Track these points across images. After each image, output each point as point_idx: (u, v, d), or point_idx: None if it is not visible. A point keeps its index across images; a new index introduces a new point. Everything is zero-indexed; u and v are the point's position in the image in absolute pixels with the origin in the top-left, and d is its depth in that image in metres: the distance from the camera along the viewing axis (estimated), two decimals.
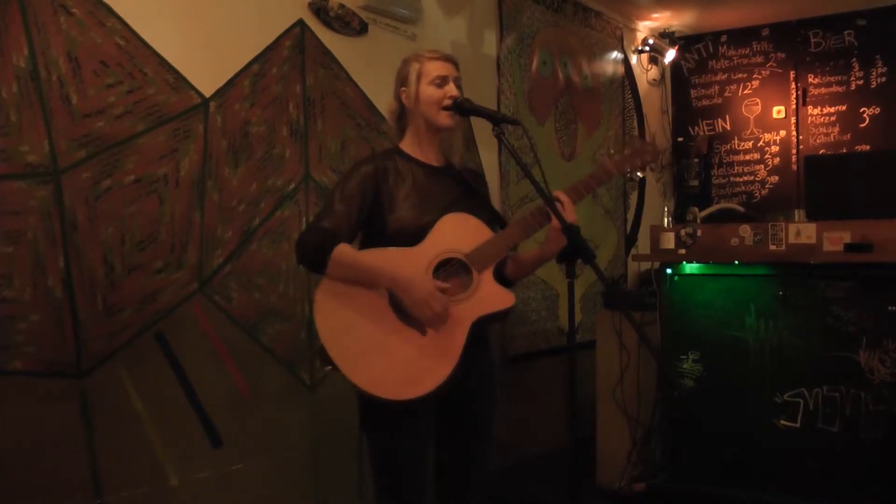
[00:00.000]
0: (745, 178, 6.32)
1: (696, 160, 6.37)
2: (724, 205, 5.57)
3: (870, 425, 3.53)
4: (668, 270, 3.99)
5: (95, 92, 2.81)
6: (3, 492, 2.54)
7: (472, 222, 2.28)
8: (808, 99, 6.07)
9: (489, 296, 2.23)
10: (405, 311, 2.21)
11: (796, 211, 3.98)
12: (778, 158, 6.20)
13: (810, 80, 6.07)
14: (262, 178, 3.35)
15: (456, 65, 2.39)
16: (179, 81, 3.07)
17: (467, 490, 2.41)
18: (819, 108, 6.04)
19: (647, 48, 6.08)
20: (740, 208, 5.21)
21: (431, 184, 2.36)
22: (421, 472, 2.32)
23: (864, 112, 5.88)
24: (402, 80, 2.40)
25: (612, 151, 2.42)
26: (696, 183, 6.37)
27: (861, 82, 5.89)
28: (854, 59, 5.91)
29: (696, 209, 4.33)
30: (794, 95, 6.12)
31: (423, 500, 2.33)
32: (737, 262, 3.82)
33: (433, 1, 4.27)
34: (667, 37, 6.22)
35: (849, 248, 3.54)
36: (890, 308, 3.50)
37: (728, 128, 6.39)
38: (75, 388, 2.73)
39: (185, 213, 3.08)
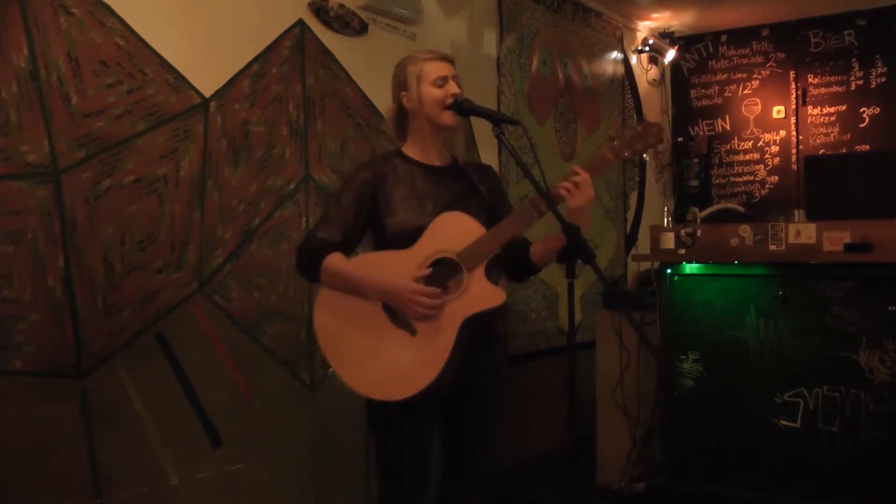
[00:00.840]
0: (745, 178, 6.32)
1: (696, 160, 6.36)
2: (724, 205, 5.57)
3: (870, 425, 3.53)
4: (668, 270, 3.99)
5: (95, 92, 2.81)
6: (4, 492, 2.54)
7: (466, 221, 2.27)
8: (807, 99, 6.07)
9: (479, 294, 2.23)
10: (396, 314, 2.25)
11: (796, 211, 3.99)
12: (778, 158, 6.20)
13: (810, 80, 6.07)
14: (262, 178, 3.35)
15: (453, 63, 2.39)
16: (179, 81, 3.07)
17: (470, 491, 2.42)
18: (819, 108, 6.04)
19: (647, 48, 6.08)
20: (740, 208, 5.21)
21: (431, 185, 2.36)
22: (424, 471, 2.33)
23: (863, 112, 5.88)
24: (401, 84, 2.40)
25: (614, 136, 2.40)
26: (696, 183, 6.37)
27: (861, 82, 5.89)
28: (854, 59, 5.91)
29: (696, 209, 4.33)
30: (794, 95, 6.12)
31: (426, 500, 2.34)
32: (737, 262, 3.82)
33: (433, 1, 4.26)
34: (667, 37, 6.22)
35: (849, 248, 3.54)
36: (890, 308, 3.50)
37: (728, 128, 6.39)
38: (75, 388, 2.73)
39: (185, 213, 3.08)
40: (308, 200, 3.53)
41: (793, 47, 6.12)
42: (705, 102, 6.48)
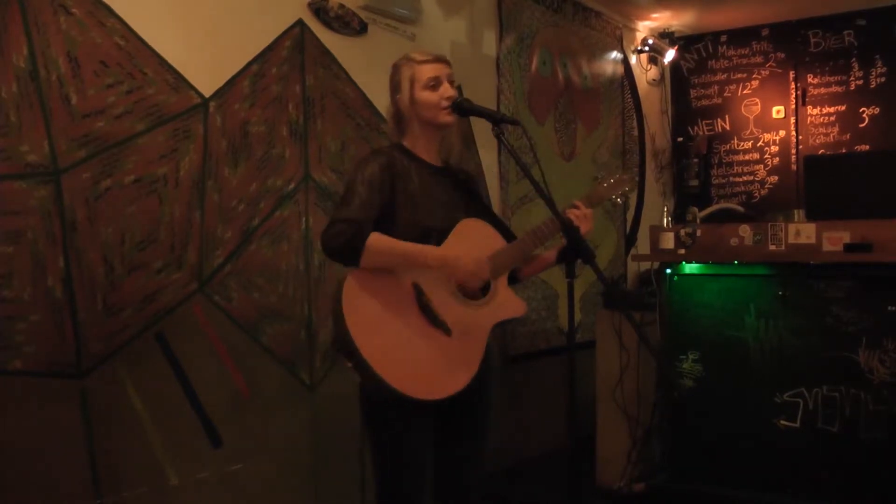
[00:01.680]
0: (745, 178, 6.32)
1: (695, 160, 6.36)
2: (723, 205, 5.58)
3: (870, 425, 3.53)
4: (668, 270, 3.99)
5: (95, 92, 2.81)
6: (4, 492, 2.54)
7: (488, 230, 2.35)
8: (807, 99, 6.07)
9: (505, 302, 2.31)
10: (431, 313, 2.23)
11: (796, 211, 3.99)
12: (777, 158, 6.20)
13: (810, 80, 6.07)
14: (262, 178, 3.35)
15: (447, 63, 2.39)
16: (179, 81, 3.07)
17: (464, 489, 2.42)
18: (819, 108, 6.04)
19: (646, 48, 6.09)
20: (740, 208, 5.22)
21: (433, 184, 2.37)
22: (421, 470, 2.34)
23: (863, 112, 5.88)
24: (395, 87, 2.40)
25: (599, 178, 2.66)
26: (695, 183, 6.37)
27: (861, 82, 5.90)
28: (854, 59, 5.91)
29: (696, 209, 4.33)
30: (794, 95, 6.12)
31: (424, 499, 2.34)
32: (736, 262, 3.82)
33: (433, 1, 4.27)
34: (666, 37, 6.22)
35: (848, 248, 3.54)
36: (890, 308, 3.50)
37: (728, 128, 6.40)
38: (75, 388, 2.73)
39: (185, 213, 3.08)
40: (308, 200, 3.53)
41: (792, 47, 6.12)
42: (705, 102, 6.49)
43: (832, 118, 5.99)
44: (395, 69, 2.41)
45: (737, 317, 3.81)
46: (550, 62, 5.16)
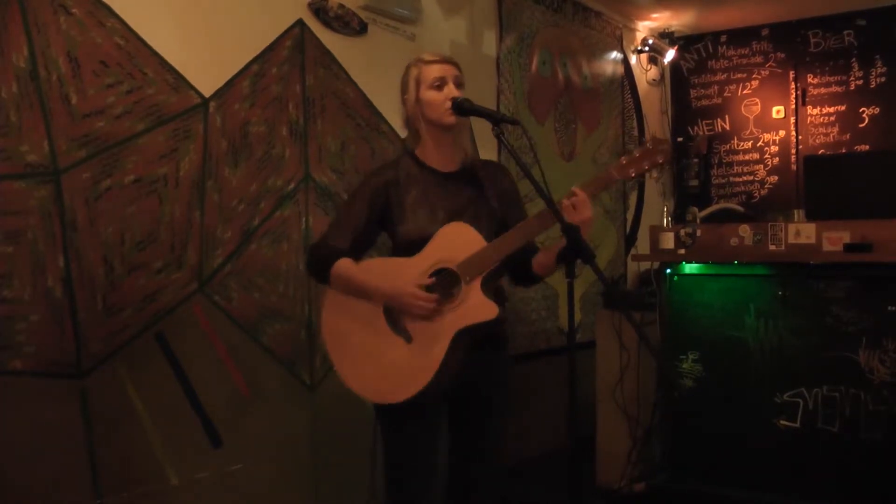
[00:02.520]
0: (745, 178, 6.32)
1: (695, 160, 6.36)
2: (723, 205, 5.58)
3: (870, 425, 3.53)
4: (668, 270, 3.99)
5: (95, 92, 2.81)
6: (4, 492, 2.54)
7: (469, 233, 2.30)
8: (807, 99, 6.07)
9: (473, 307, 2.27)
10: (395, 320, 2.32)
11: (796, 211, 3.99)
12: (777, 158, 6.20)
13: (810, 80, 6.07)
14: (262, 178, 3.35)
15: (455, 65, 2.39)
16: (179, 81, 3.07)
17: (477, 489, 2.43)
18: (818, 108, 6.04)
19: (646, 48, 6.09)
20: (740, 208, 5.22)
21: (440, 192, 2.38)
22: (429, 469, 2.36)
23: (863, 112, 5.88)
24: (403, 88, 2.42)
25: (628, 149, 2.41)
26: (695, 183, 6.37)
27: (860, 82, 5.89)
28: (854, 59, 5.91)
29: (696, 209, 4.33)
30: (794, 95, 6.12)
31: (432, 497, 2.35)
32: (736, 262, 3.82)
33: (433, 1, 4.26)
34: (666, 37, 6.22)
35: (848, 248, 3.55)
36: (890, 308, 3.50)
37: (727, 128, 6.39)
38: (75, 388, 2.73)
39: (185, 213, 3.08)
40: (308, 200, 3.53)
41: (792, 47, 6.12)
42: (705, 102, 6.48)
43: (832, 118, 5.99)
44: (406, 69, 2.43)
45: (737, 317, 3.81)
46: (550, 62, 5.16)
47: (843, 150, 5.88)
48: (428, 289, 2.28)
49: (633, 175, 2.32)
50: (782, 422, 3.70)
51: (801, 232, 3.68)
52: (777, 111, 6.19)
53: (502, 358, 2.49)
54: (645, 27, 6.17)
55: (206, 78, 3.16)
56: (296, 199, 3.48)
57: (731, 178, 6.38)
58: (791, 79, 6.14)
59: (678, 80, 6.58)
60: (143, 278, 2.94)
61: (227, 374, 3.20)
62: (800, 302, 3.68)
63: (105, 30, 2.85)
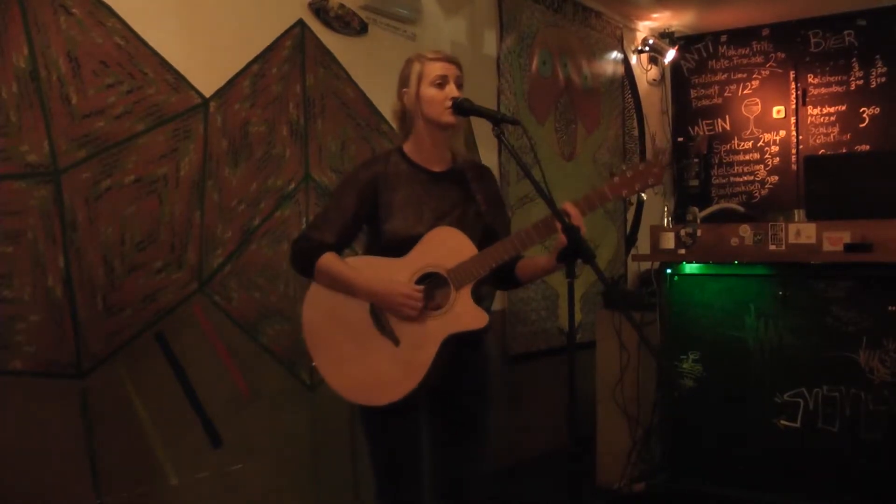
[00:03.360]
0: (745, 178, 6.32)
1: (696, 160, 6.36)
2: (723, 205, 5.57)
3: (870, 425, 3.53)
4: (668, 270, 3.98)
5: (95, 92, 2.81)
6: (4, 492, 2.54)
7: (459, 238, 2.29)
8: (807, 99, 6.07)
9: (462, 314, 2.26)
10: (381, 321, 2.29)
11: (796, 211, 3.98)
12: (778, 158, 6.20)
13: (810, 80, 6.07)
14: (262, 178, 3.35)
15: (458, 65, 2.38)
16: (179, 81, 3.07)
17: (462, 489, 2.42)
18: (819, 108, 6.04)
19: (646, 48, 6.09)
20: (740, 208, 5.21)
21: (428, 192, 2.36)
22: (415, 470, 2.35)
23: (863, 112, 5.88)
24: (403, 81, 2.39)
25: (620, 169, 2.38)
26: (696, 183, 6.37)
27: (861, 82, 5.90)
28: (854, 59, 5.91)
29: (696, 209, 4.32)
30: (794, 95, 6.12)
31: (420, 498, 2.34)
32: (737, 262, 3.82)
33: (433, 1, 4.27)
34: (667, 37, 6.22)
35: (849, 248, 3.54)
36: (890, 308, 3.50)
37: (728, 128, 6.39)
38: (75, 388, 2.73)
39: (185, 213, 3.08)
40: (308, 200, 3.53)
41: (793, 47, 6.12)
42: (705, 102, 6.48)
43: (832, 118, 5.99)
44: (407, 64, 2.41)
45: (737, 317, 3.81)
46: (551, 62, 5.16)
47: (844, 150, 5.88)
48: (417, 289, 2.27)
49: (625, 195, 2.34)
50: (782, 422, 3.70)
51: (801, 232, 3.68)
52: (777, 111, 6.19)
53: (482, 355, 2.47)
54: (645, 27, 6.17)
55: (207, 78, 3.16)
56: (296, 199, 3.48)
57: (732, 178, 6.38)
58: (791, 79, 6.14)
59: (678, 80, 6.58)
60: (143, 278, 2.94)
61: (227, 374, 3.20)
62: (800, 302, 3.67)
63: (105, 30, 2.85)
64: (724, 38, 6.39)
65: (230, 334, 3.22)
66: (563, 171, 5.18)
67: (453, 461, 2.42)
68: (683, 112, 6.56)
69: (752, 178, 6.29)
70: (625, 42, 5.94)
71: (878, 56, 5.82)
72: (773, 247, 3.74)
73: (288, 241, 3.41)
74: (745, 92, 6.32)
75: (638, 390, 4.19)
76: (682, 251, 3.94)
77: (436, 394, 2.33)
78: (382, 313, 2.29)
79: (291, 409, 3.43)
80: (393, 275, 2.28)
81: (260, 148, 3.34)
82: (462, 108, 2.32)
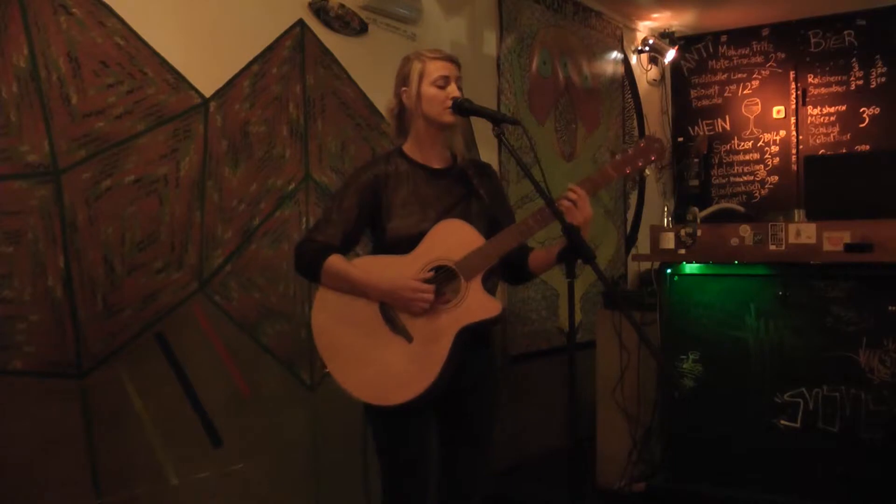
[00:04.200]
0: (745, 178, 6.32)
1: (696, 160, 6.36)
2: (723, 205, 5.57)
3: (870, 425, 3.53)
4: (668, 270, 3.99)
5: (95, 92, 2.81)
6: (4, 491, 2.54)
7: (466, 230, 2.28)
8: (807, 99, 6.07)
9: (475, 305, 2.24)
10: (393, 320, 2.27)
11: (796, 211, 3.98)
12: (778, 158, 6.20)
13: (810, 80, 6.07)
14: (262, 178, 3.35)
15: (458, 65, 2.38)
16: (179, 81, 3.07)
17: (466, 489, 2.42)
18: (819, 108, 6.04)
19: (647, 48, 6.09)
20: (740, 208, 5.21)
21: (431, 189, 2.36)
22: (423, 472, 2.34)
23: (863, 112, 5.88)
24: (402, 80, 2.39)
25: (622, 148, 2.36)
26: (696, 183, 6.37)
27: (861, 82, 5.90)
28: (854, 59, 5.91)
29: (696, 209, 4.32)
30: (794, 95, 6.12)
31: (426, 498, 2.34)
32: (737, 262, 3.82)
33: (433, 1, 4.27)
34: (667, 37, 6.22)
35: (849, 248, 3.54)
36: (890, 308, 3.50)
37: (728, 128, 6.39)
38: (75, 388, 2.73)
39: (185, 213, 3.08)
40: (308, 200, 3.53)
41: (793, 47, 6.12)
42: (705, 102, 6.48)
43: (832, 118, 5.99)
44: (405, 62, 2.39)
45: (737, 317, 3.81)
46: (551, 62, 5.16)
47: (844, 150, 5.88)
48: (427, 282, 2.25)
49: (628, 172, 2.31)
50: (782, 422, 3.70)
51: (801, 232, 3.68)
52: (777, 111, 6.19)
53: (491, 358, 2.47)
54: (645, 27, 6.17)
55: (207, 78, 3.16)
56: (296, 199, 3.48)
57: (732, 178, 6.38)
58: (791, 79, 6.14)
59: (678, 80, 6.58)
60: (143, 278, 2.94)
61: (227, 374, 3.20)
62: (800, 302, 3.68)
63: (105, 30, 2.85)
64: (724, 38, 6.39)
65: (230, 334, 3.22)
66: (563, 172, 5.18)
67: (459, 462, 2.42)
68: (683, 112, 6.56)
69: (752, 178, 6.29)
70: (625, 42, 5.94)
71: (878, 56, 5.82)
72: (773, 247, 3.74)
73: (288, 241, 3.41)
74: (745, 92, 6.32)
75: (638, 390, 4.19)
76: (682, 251, 3.94)
77: (443, 395, 2.31)
78: (393, 311, 2.28)
79: (291, 409, 3.43)
80: (401, 271, 2.26)
81: (260, 148, 3.34)
82: (462, 108, 2.32)
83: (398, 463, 2.34)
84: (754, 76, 6.28)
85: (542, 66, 5.08)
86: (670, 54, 6.26)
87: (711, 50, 6.45)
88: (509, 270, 2.44)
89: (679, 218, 4.76)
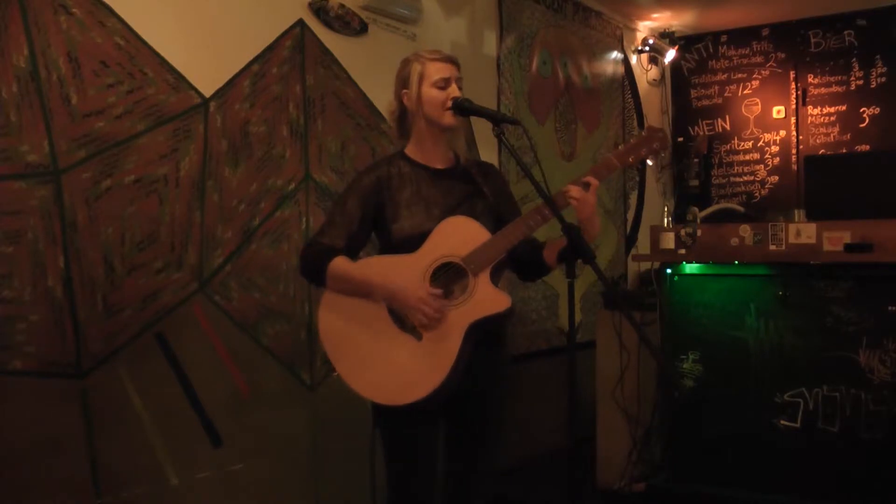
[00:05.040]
0: (745, 178, 6.32)
1: (696, 160, 6.36)
2: (723, 205, 5.57)
3: (870, 425, 3.53)
4: (668, 270, 3.99)
5: (95, 92, 2.81)
6: (4, 491, 2.54)
7: (471, 225, 2.27)
8: (808, 99, 6.07)
9: (484, 299, 2.23)
10: (402, 319, 2.26)
11: (796, 211, 3.98)
12: (778, 158, 6.20)
13: (810, 80, 6.07)
14: (262, 178, 3.35)
15: (457, 65, 2.38)
16: (179, 81, 3.07)
17: (471, 490, 2.42)
18: (819, 108, 6.04)
19: (647, 48, 6.08)
20: (740, 208, 5.21)
21: (435, 188, 2.36)
22: (430, 472, 2.34)
23: (863, 112, 5.88)
24: (402, 82, 2.38)
25: (624, 143, 2.36)
26: (696, 183, 6.37)
27: (861, 82, 5.89)
28: (854, 59, 5.91)
29: (696, 209, 4.32)
30: (794, 95, 6.12)
31: (432, 499, 2.34)
32: (737, 262, 3.82)
33: (433, 1, 4.27)
34: (667, 37, 6.22)
35: (849, 248, 3.54)
36: (890, 308, 3.50)
37: (728, 128, 6.39)
38: (75, 388, 2.73)
39: (185, 213, 3.08)
40: (308, 200, 3.53)
41: (793, 47, 6.12)
42: (705, 102, 6.48)
43: (832, 118, 5.99)
44: (405, 63, 2.39)
45: (737, 317, 3.81)
46: (551, 62, 5.16)
47: (844, 150, 5.88)
48: (432, 284, 2.24)
49: (631, 162, 2.31)
50: (782, 422, 3.70)
51: (801, 232, 3.68)
52: (777, 111, 6.18)
53: (500, 357, 2.46)
54: (645, 27, 6.17)
55: (207, 78, 3.16)
56: (296, 199, 3.48)
57: (732, 178, 6.38)
58: (791, 79, 6.14)
59: (678, 80, 6.58)
60: (143, 278, 2.94)
61: (227, 374, 3.20)
62: (800, 302, 3.68)
63: (105, 30, 2.85)
64: (724, 38, 6.39)
65: (230, 334, 3.22)
66: (563, 172, 5.18)
67: (465, 463, 2.42)
68: (683, 112, 6.56)
69: (752, 178, 6.29)
70: (625, 42, 5.94)
71: (878, 56, 5.82)
72: (773, 247, 3.74)
73: (288, 241, 3.41)
74: (745, 92, 6.32)
75: (638, 390, 4.19)
76: (682, 251, 3.94)
77: (454, 395, 2.29)
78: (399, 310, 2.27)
79: (291, 409, 3.43)
80: (407, 270, 2.25)
81: (260, 148, 3.34)
82: (462, 108, 2.32)
83: (405, 463, 2.33)
84: (754, 76, 6.28)
85: (542, 66, 5.08)
86: (670, 54, 6.26)
87: (711, 50, 6.45)
88: (525, 265, 2.43)
89: (679, 218, 4.77)
